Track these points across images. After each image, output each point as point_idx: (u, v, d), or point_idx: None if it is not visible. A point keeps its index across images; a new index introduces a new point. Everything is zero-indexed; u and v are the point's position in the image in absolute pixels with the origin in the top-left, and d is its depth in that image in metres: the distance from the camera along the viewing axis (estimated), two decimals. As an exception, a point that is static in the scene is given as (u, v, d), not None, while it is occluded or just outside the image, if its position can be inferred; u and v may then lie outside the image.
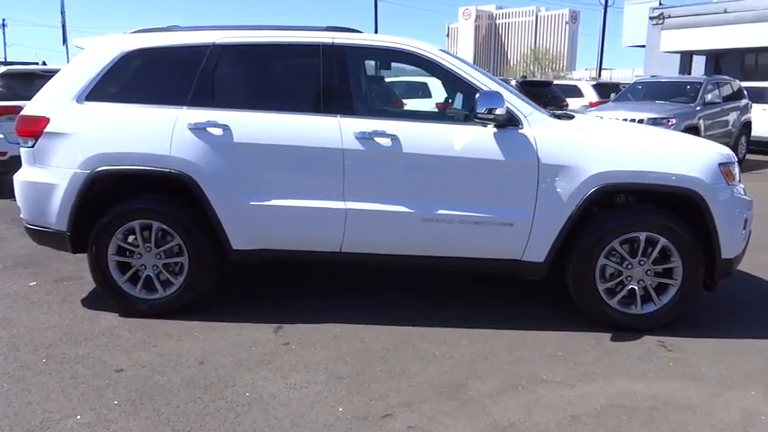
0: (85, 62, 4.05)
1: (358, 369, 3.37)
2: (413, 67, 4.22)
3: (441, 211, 3.81)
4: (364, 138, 3.78)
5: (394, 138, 3.78)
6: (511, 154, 3.75)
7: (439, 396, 3.10)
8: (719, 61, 26.51)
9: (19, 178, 4.07)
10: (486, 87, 3.84)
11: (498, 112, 3.67)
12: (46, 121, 3.93)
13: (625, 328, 3.86)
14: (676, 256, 3.79)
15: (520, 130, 3.79)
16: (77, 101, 3.96)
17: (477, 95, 3.70)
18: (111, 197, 3.97)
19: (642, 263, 3.83)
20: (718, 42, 24.49)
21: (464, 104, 4.19)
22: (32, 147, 3.97)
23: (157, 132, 3.85)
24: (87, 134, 3.89)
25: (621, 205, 3.98)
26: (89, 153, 3.84)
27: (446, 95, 5.67)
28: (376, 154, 3.79)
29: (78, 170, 3.85)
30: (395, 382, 3.23)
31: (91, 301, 4.28)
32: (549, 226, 3.78)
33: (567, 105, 14.02)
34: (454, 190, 3.82)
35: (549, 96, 13.84)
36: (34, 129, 3.96)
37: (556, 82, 18.36)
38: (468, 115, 3.85)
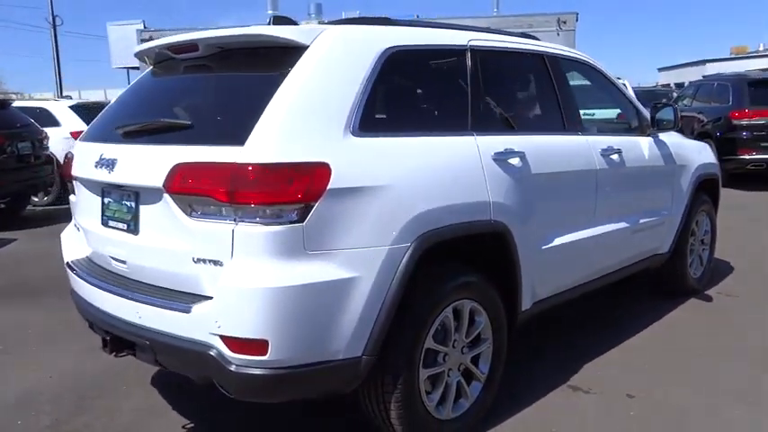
0: (330, 68, 2.37)
1: None
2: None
3: (642, 221, 3.90)
4: (606, 155, 3.53)
5: (619, 153, 3.65)
6: (665, 158, 4.14)
7: None
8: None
9: (272, 285, 2.10)
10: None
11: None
12: (326, 171, 2.18)
13: (694, 292, 4.73)
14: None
15: (661, 137, 4.19)
16: (353, 132, 2.32)
17: (668, 106, 3.95)
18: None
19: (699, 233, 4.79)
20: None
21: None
22: (300, 221, 2.13)
23: (470, 171, 2.66)
24: (396, 185, 2.35)
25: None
26: (409, 213, 2.36)
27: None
28: (614, 171, 3.59)
29: (395, 245, 2.31)
30: None
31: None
32: (677, 218, 4.33)
33: (46, 138, 9.07)
34: (647, 198, 3.98)
35: (19, 126, 8.59)
36: (305, 188, 2.13)
37: (19, 103, 10.80)
38: (640, 126, 4.04)
